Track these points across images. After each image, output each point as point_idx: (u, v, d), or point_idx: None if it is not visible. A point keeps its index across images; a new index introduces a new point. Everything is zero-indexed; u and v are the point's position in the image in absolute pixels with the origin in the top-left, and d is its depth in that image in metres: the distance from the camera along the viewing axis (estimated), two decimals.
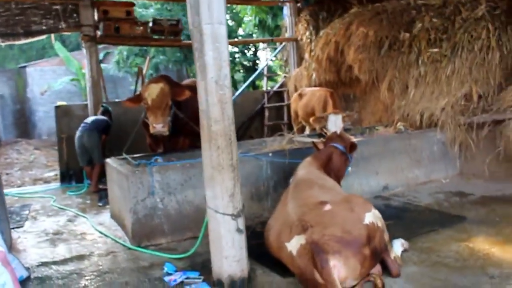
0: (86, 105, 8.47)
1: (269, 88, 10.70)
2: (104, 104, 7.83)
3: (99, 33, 8.07)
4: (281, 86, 10.26)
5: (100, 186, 7.28)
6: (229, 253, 3.37)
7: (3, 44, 7.87)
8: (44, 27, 7.94)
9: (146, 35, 8.30)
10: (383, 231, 3.45)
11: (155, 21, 8.47)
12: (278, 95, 10.18)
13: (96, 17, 8.01)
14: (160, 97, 5.15)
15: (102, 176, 7.03)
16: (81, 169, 7.59)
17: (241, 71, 19.49)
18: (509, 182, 5.88)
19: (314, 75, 8.84)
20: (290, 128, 9.26)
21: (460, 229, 4.41)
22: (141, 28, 8.25)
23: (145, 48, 14.57)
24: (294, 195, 3.85)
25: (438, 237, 4.24)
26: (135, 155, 5.40)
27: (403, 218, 4.90)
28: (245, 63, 19.47)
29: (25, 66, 17.84)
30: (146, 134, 5.95)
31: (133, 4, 8.32)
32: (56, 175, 8.99)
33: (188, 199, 4.63)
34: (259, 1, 9.54)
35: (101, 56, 18.06)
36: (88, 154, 7.14)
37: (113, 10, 8.03)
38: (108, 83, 18.21)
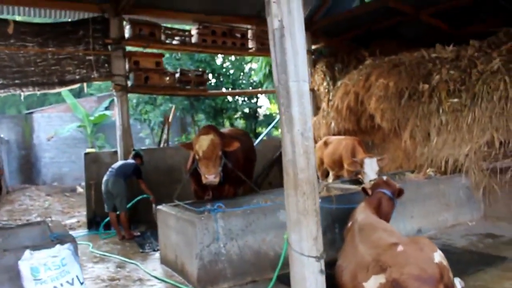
0: (115, 152, 8.67)
1: None
2: (135, 148, 8.04)
3: (129, 82, 8.40)
4: None
5: (134, 233, 7.40)
6: None
7: (27, 93, 8.09)
8: (77, 77, 8.24)
9: (174, 85, 8.67)
10: (449, 270, 3.72)
11: (182, 71, 8.87)
12: None
13: (127, 67, 8.36)
14: (211, 148, 5.38)
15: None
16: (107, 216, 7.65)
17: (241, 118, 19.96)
18: None
19: (333, 124, 9.27)
20: None
21: (506, 268, 4.69)
22: (169, 78, 8.62)
23: (154, 96, 14.96)
24: (362, 238, 4.11)
25: (486, 277, 4.50)
26: (187, 202, 5.61)
27: (447, 259, 5.16)
28: (246, 110, 20.00)
29: (32, 112, 18.02)
30: (192, 181, 6.17)
31: (162, 55, 8.74)
32: (79, 221, 9.02)
33: (248, 244, 4.82)
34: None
35: (106, 103, 18.42)
36: (113, 200, 7.25)
37: (143, 61, 8.43)
38: (112, 129, 18.53)
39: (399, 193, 5.00)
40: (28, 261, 3.50)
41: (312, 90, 10.33)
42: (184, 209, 5.24)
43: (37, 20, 8.48)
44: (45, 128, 17.21)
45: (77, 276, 3.63)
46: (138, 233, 7.48)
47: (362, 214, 4.64)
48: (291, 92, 3.62)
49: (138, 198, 7.57)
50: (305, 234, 3.59)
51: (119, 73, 8.28)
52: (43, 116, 17.74)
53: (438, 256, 3.63)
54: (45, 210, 10.69)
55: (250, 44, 9.47)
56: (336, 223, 5.42)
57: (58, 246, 3.70)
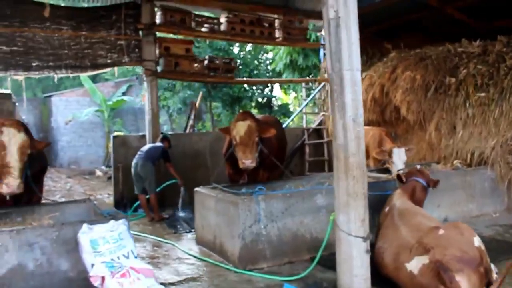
0: (142, 136, 8.85)
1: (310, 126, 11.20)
2: (163, 132, 8.19)
3: (159, 68, 8.53)
4: (320, 124, 10.79)
5: (164, 215, 7.59)
6: (358, 272, 3.78)
7: (60, 75, 8.24)
8: (109, 61, 8.36)
9: (203, 72, 8.79)
10: (486, 255, 3.88)
11: (210, 58, 8.99)
12: (317, 133, 10.71)
13: (157, 52, 8.49)
14: (247, 134, 5.56)
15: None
16: (135, 198, 7.82)
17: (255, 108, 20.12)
18: None
19: None
20: (330, 164, 9.74)
21: None
22: (198, 65, 8.75)
23: (173, 83, 15.10)
24: (403, 222, 4.29)
25: None
26: (224, 185, 5.78)
27: None
28: (260, 100, 20.13)
29: (50, 96, 18.22)
30: (227, 165, 6.34)
31: (192, 42, 8.86)
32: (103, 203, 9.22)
33: (287, 227, 5.00)
34: (303, 44, 10.13)
35: (124, 88, 18.60)
36: (142, 182, 7.42)
37: (174, 47, 8.54)
38: (129, 115, 18.81)
39: (435, 183, 5.15)
40: (88, 234, 3.69)
41: None
42: (223, 191, 5.41)
43: (70, 3, 8.57)
44: (63, 111, 17.41)
45: (132, 250, 3.81)
46: (167, 216, 7.66)
47: (399, 200, 4.80)
48: (345, 80, 3.78)
49: (168, 182, 7.72)
50: (353, 216, 3.77)
51: (149, 58, 8.41)
52: (61, 99, 17.95)
53: (477, 241, 3.79)
54: (67, 192, 10.90)
55: (277, 34, 9.56)
56: (370, 209, 5.57)
57: (112, 221, 3.89)
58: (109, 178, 11.46)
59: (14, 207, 4.69)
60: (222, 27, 8.99)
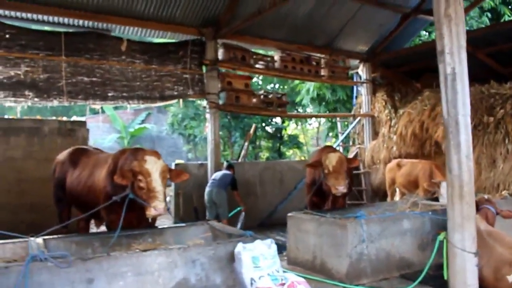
0: (201, 164, 9.45)
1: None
2: (228, 160, 8.81)
3: (220, 101, 9.24)
4: (355, 156, 11.55)
5: None
6: (471, 282, 4.48)
7: (128, 106, 8.88)
8: (175, 93, 9.06)
9: (260, 106, 9.53)
10: None
11: (265, 93, 9.75)
12: None
13: (219, 86, 9.21)
14: (339, 163, 6.28)
15: None
16: None
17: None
18: None
19: (394, 148, 10.25)
20: (368, 193, 10.58)
21: None
22: (255, 99, 9.49)
23: (199, 112, 15.75)
24: (496, 241, 5.01)
25: None
26: (316, 211, 6.43)
27: None
28: (269, 130, 20.85)
29: None
30: (307, 192, 7.01)
31: (251, 78, 9.63)
32: None
33: (382, 247, 5.66)
34: (345, 81, 11.01)
35: (143, 116, 19.16)
36: (216, 209, 7.98)
37: (235, 82, 9.30)
38: (147, 142, 19.32)
39: (507, 214, 5.93)
40: (251, 252, 4.27)
41: (372, 116, 11.30)
42: (320, 216, 6.05)
43: (143, 39, 9.29)
44: None
45: (280, 266, 4.41)
46: None
47: (482, 224, 5.52)
48: (460, 123, 4.55)
49: (238, 209, 8.29)
50: (467, 235, 4.48)
51: (213, 91, 9.13)
52: None
53: None
54: None
55: (322, 72, 10.42)
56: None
57: (270, 240, 4.48)
58: None
59: (147, 229, 5.21)
60: (276, 65, 9.80)
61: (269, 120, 19.91)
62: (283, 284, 4.09)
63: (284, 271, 4.42)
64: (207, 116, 9.18)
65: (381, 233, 5.66)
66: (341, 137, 11.77)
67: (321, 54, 10.56)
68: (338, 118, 12.70)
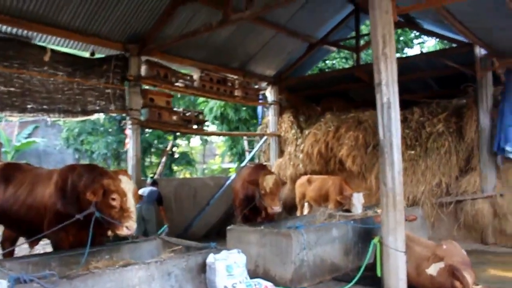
0: None
1: None
2: (152, 176, 8.81)
3: (142, 117, 9.22)
4: None
5: None
6: (402, 277, 5.34)
7: (62, 119, 8.42)
8: (97, 107, 8.76)
9: (180, 123, 9.71)
10: None
11: (184, 111, 9.96)
12: None
13: (141, 102, 9.19)
14: (275, 185, 6.81)
15: None
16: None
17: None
18: (467, 243, 8.79)
19: (300, 165, 11.20)
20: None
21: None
22: (175, 116, 9.66)
23: (97, 127, 15.10)
24: (413, 242, 5.97)
25: None
26: (250, 224, 6.86)
27: None
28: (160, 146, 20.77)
29: None
30: (239, 205, 7.43)
31: (172, 96, 9.76)
32: None
33: (317, 253, 6.33)
34: (256, 102, 11.70)
35: (30, 129, 17.71)
36: (144, 224, 7.98)
37: (157, 99, 9.38)
38: (33, 157, 17.84)
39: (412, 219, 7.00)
40: (225, 261, 4.56)
41: (278, 136, 12.15)
42: (259, 228, 6.51)
43: (66, 50, 8.84)
44: None
45: (248, 273, 4.77)
46: None
47: None
48: (393, 145, 5.44)
49: (164, 227, 8.29)
50: (399, 236, 5.33)
51: (135, 107, 9.07)
52: None
53: (464, 251, 5.67)
54: None
55: (236, 93, 11.00)
56: (360, 238, 7.19)
57: (237, 250, 4.81)
58: None
59: (102, 246, 5.15)
60: (195, 84, 10.11)
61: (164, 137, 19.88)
62: None
63: (251, 278, 4.77)
64: (128, 132, 9.06)
65: (317, 241, 6.34)
66: (249, 155, 12.40)
67: (235, 75, 11.14)
68: (245, 137, 13.36)
